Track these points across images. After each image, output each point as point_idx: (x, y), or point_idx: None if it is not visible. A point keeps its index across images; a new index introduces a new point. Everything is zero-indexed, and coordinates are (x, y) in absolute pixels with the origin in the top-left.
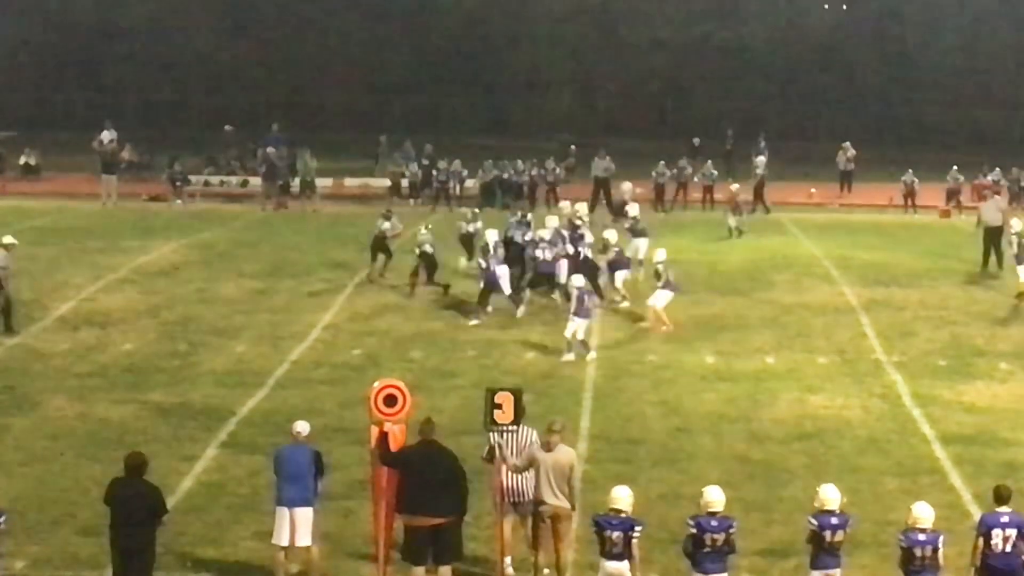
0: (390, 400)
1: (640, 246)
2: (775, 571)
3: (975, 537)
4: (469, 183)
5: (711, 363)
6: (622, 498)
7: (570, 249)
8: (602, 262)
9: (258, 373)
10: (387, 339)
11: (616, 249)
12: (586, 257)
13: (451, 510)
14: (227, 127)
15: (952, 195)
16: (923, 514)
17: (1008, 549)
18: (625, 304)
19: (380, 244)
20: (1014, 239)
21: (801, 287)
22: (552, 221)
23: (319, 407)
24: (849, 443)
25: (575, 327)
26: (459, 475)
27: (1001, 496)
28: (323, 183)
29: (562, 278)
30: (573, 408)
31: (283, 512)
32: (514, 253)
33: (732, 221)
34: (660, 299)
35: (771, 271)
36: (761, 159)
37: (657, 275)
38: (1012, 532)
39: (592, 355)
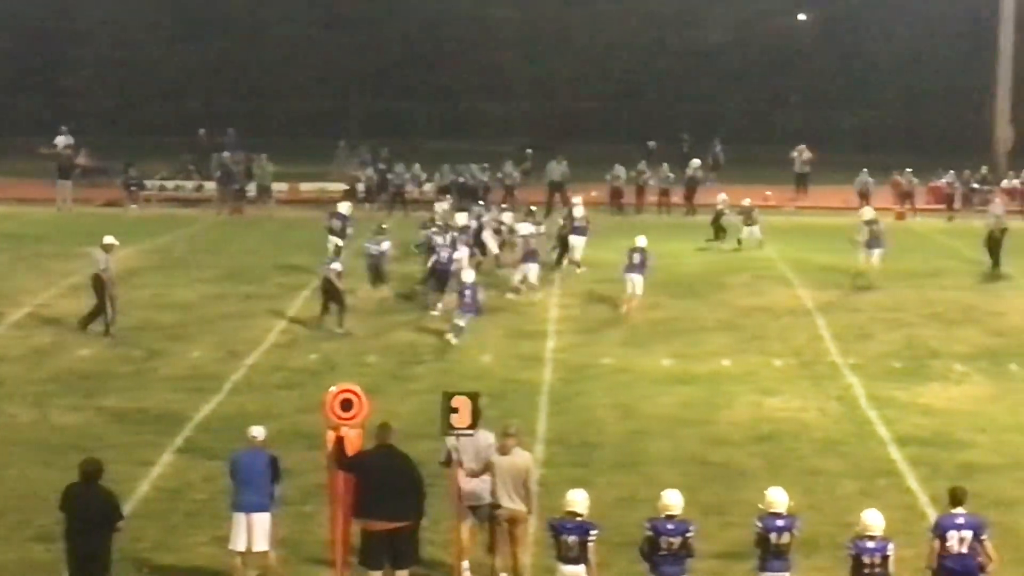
0: (346, 404)
1: (577, 244)
2: (732, 574)
3: (931, 539)
4: (427, 187)
5: (667, 366)
6: (578, 501)
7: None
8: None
9: (214, 378)
10: (344, 343)
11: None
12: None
13: (408, 514)
14: (201, 131)
15: (906, 197)
16: (873, 521)
17: (964, 550)
18: (539, 296)
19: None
20: (864, 228)
21: (757, 290)
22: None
23: (276, 412)
24: (806, 445)
25: (464, 319)
26: (416, 479)
27: (956, 498)
28: (279, 187)
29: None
30: (530, 412)
31: (240, 517)
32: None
33: (745, 232)
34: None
35: (727, 274)
36: (695, 162)
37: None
38: (968, 533)
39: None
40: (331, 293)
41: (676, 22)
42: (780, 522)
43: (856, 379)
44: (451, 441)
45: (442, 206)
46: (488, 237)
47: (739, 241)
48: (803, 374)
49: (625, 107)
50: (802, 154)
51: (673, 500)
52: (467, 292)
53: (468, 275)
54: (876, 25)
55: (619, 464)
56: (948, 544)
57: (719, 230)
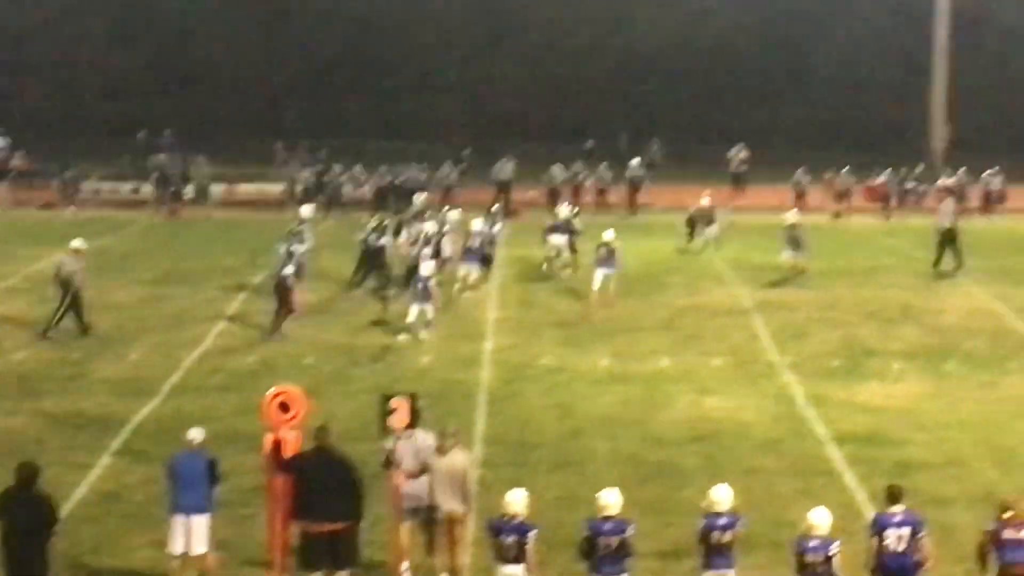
0: (284, 406)
1: (560, 244)
2: (671, 573)
3: (869, 537)
4: (364, 188)
5: (606, 366)
6: (516, 502)
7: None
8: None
9: (152, 381)
10: (282, 345)
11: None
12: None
13: (347, 516)
14: (140, 133)
15: (843, 196)
16: (818, 520)
17: (902, 548)
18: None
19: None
20: (786, 230)
21: (695, 289)
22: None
23: (214, 414)
24: (744, 444)
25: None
26: (354, 481)
27: (894, 495)
28: (216, 189)
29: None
30: (468, 412)
31: (178, 520)
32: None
33: (712, 230)
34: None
35: (665, 274)
36: (635, 161)
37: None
38: (905, 531)
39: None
40: (283, 296)
41: (613, 22)
42: (723, 520)
43: (793, 378)
44: (391, 443)
45: (453, 215)
46: (447, 242)
47: (705, 242)
48: (741, 373)
49: (562, 107)
50: (739, 153)
51: (611, 500)
52: (420, 284)
53: (426, 268)
54: (812, 24)
55: (558, 464)
56: (886, 542)
57: (693, 230)
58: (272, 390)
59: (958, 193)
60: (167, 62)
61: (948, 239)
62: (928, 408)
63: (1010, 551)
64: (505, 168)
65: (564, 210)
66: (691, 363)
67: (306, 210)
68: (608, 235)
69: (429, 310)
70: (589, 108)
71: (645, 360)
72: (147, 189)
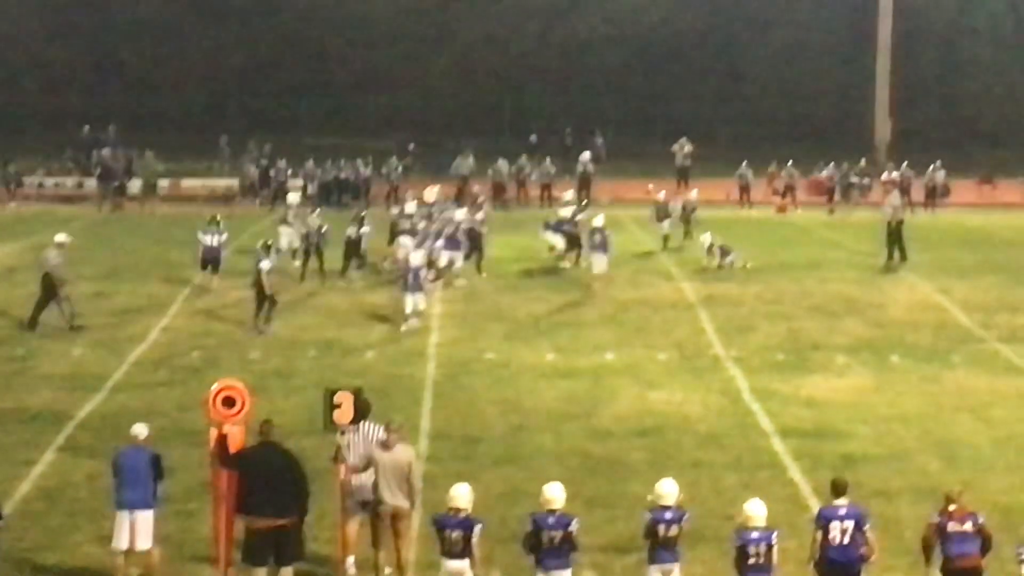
0: (228, 402)
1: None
2: (617, 567)
3: (814, 530)
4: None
5: (550, 360)
6: (461, 496)
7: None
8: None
9: (96, 376)
10: (226, 340)
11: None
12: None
13: (291, 511)
14: (85, 127)
15: (787, 190)
16: (756, 512)
17: (846, 541)
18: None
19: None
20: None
21: (640, 284)
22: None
23: (158, 409)
24: (689, 438)
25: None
26: (299, 476)
27: (838, 488)
28: (160, 184)
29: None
30: (413, 407)
31: (122, 516)
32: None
33: (665, 226)
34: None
35: (609, 268)
36: (586, 154)
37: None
38: (850, 524)
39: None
40: (260, 291)
41: (556, 16)
42: (669, 514)
43: (738, 372)
44: (340, 437)
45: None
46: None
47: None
48: (686, 367)
49: (506, 101)
50: (683, 148)
51: (555, 494)
52: (412, 275)
53: (415, 258)
54: (756, 17)
55: (503, 458)
56: (831, 535)
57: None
58: (216, 385)
59: (902, 187)
60: (108, 56)
61: (895, 231)
62: (872, 401)
63: (955, 544)
64: (465, 163)
65: (566, 211)
66: (636, 357)
67: (293, 198)
68: (598, 221)
69: (421, 300)
70: (533, 103)
71: (590, 354)
72: (91, 184)
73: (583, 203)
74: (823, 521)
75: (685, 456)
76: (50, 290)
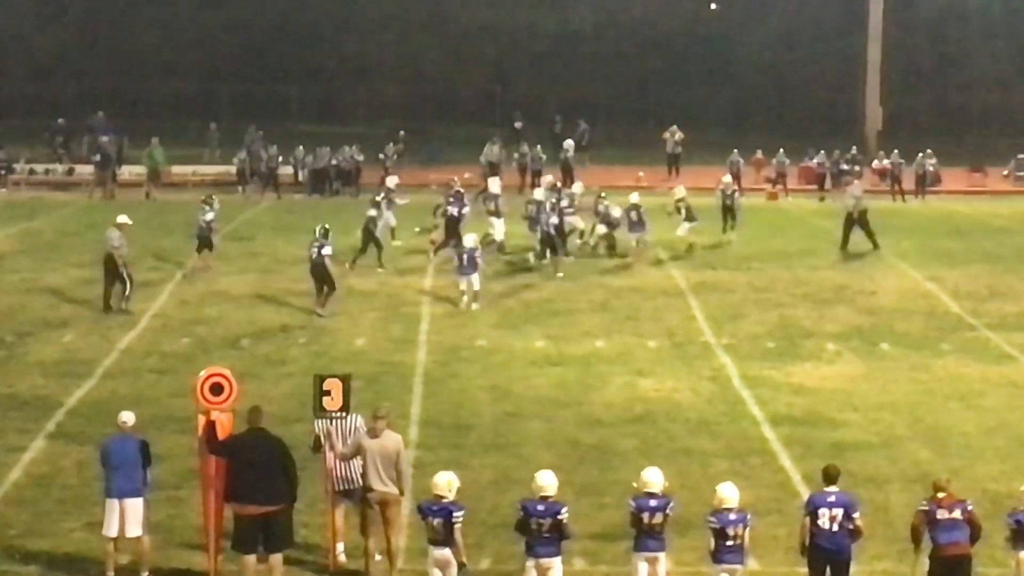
0: (216, 388)
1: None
2: (607, 554)
3: (803, 516)
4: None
5: (541, 347)
6: (443, 484)
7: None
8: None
9: (86, 363)
10: (217, 327)
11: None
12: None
13: (280, 498)
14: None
15: (779, 178)
16: (729, 494)
17: (835, 528)
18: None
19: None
20: (680, 205)
21: (630, 271)
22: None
23: (148, 396)
24: (680, 426)
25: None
26: (288, 463)
27: (829, 476)
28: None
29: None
30: (403, 394)
31: (112, 503)
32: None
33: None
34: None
35: (600, 255)
36: (569, 142)
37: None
38: (839, 512)
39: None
40: (322, 276)
41: (546, 4)
42: (654, 502)
43: (729, 359)
44: (321, 425)
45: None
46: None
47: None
48: (676, 354)
49: (497, 89)
50: (674, 135)
51: (546, 481)
52: (466, 256)
53: (469, 240)
54: (747, 3)
55: (493, 445)
56: (819, 522)
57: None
58: (204, 372)
59: (893, 175)
60: (99, 42)
61: (858, 221)
62: (862, 389)
63: (944, 531)
64: (492, 150)
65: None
66: (627, 344)
67: (392, 181)
68: (634, 197)
69: (476, 280)
70: (524, 90)
71: (581, 341)
72: (81, 171)
73: (562, 188)
74: (812, 508)
75: (675, 443)
76: (114, 270)
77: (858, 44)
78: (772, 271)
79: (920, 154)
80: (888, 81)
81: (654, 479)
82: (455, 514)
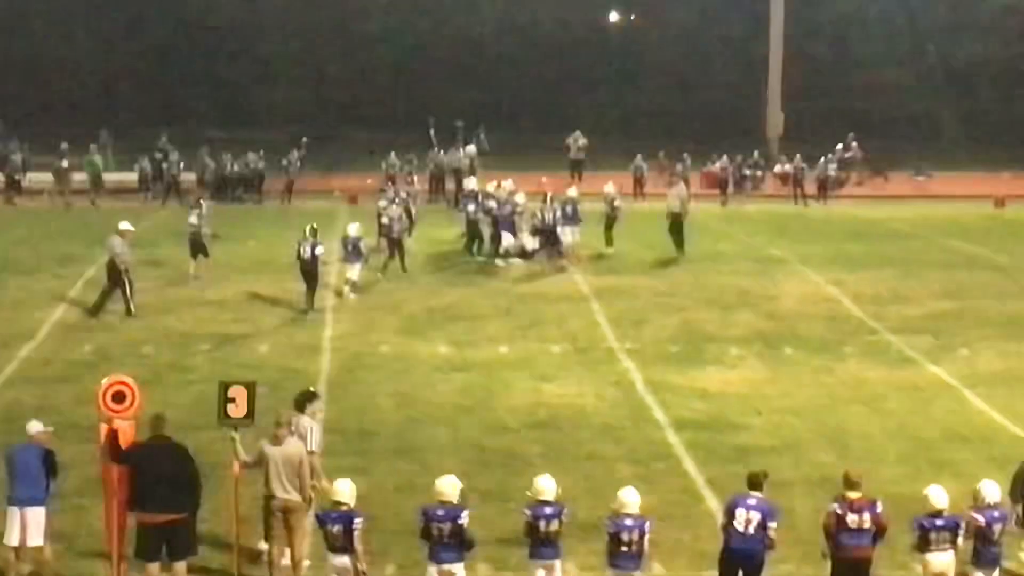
0: (119, 396)
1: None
2: (512, 559)
3: (722, 516)
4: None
5: (445, 353)
6: (343, 491)
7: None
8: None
9: None
10: (119, 335)
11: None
12: None
13: (183, 506)
14: None
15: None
16: (629, 499)
17: (750, 532)
18: None
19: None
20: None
21: (533, 276)
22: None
23: (51, 405)
24: (584, 431)
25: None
26: (191, 471)
27: (753, 482)
28: (43, 177)
29: None
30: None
31: (13, 512)
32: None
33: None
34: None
35: (505, 263)
36: (471, 148)
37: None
38: (756, 516)
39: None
40: (313, 275)
41: (452, 9)
42: (548, 510)
43: (632, 364)
44: (234, 433)
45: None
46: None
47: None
48: (580, 359)
49: (400, 95)
50: (577, 141)
51: (446, 486)
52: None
53: (352, 228)
54: (649, 9)
55: (397, 451)
56: (735, 523)
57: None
58: (105, 380)
59: (795, 179)
60: None
61: (675, 224)
62: (766, 393)
63: (851, 535)
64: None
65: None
66: (530, 350)
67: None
68: (571, 191)
69: (356, 271)
70: (428, 95)
71: (484, 347)
72: None
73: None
74: (731, 506)
75: (580, 448)
76: (115, 277)
77: (760, 50)
78: (675, 275)
79: (822, 158)
80: (790, 86)
81: (547, 487)
82: (355, 521)
